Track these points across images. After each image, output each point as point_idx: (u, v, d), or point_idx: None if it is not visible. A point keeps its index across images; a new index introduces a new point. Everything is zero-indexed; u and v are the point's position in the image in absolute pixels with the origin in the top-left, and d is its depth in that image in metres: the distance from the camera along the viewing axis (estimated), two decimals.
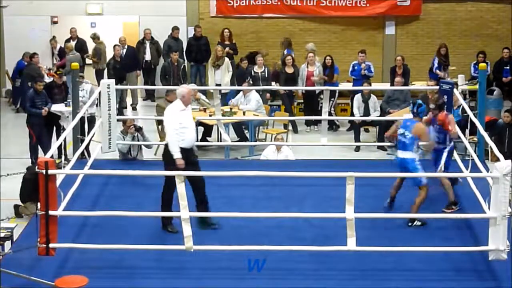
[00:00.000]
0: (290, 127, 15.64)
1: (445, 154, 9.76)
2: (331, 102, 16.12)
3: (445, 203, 9.59)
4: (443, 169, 9.69)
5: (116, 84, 15.74)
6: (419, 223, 9.14)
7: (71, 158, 10.73)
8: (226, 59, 16.80)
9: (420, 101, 9.74)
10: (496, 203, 7.72)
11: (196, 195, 9.01)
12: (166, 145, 8.97)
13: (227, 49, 17.63)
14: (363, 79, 15.85)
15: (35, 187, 7.83)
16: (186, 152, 8.90)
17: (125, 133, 11.72)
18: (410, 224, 9.15)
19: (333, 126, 15.98)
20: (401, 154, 9.40)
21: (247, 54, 17.70)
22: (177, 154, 8.80)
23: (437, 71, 16.75)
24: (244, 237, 8.63)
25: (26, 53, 17.59)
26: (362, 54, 16.34)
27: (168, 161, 8.94)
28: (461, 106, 12.08)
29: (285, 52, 17.08)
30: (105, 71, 18.51)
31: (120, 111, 16.65)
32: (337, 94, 16.25)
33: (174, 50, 17.22)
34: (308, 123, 16.17)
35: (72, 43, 18.30)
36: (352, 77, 16.56)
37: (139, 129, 11.73)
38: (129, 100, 18.09)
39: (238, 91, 15.33)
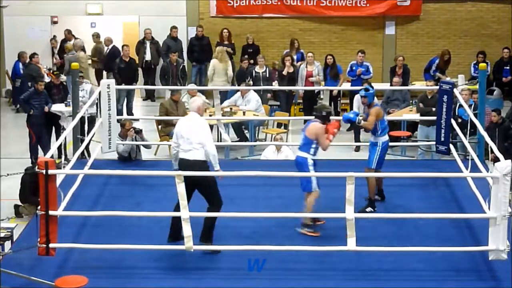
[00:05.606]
0: (290, 127, 15.63)
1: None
2: (338, 102, 16.12)
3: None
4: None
5: (126, 84, 15.92)
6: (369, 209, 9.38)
7: (71, 158, 10.72)
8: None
9: (367, 86, 9.67)
10: (496, 203, 7.71)
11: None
12: (196, 162, 8.20)
13: (227, 49, 17.65)
14: (361, 80, 15.84)
15: (34, 188, 7.83)
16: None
17: (124, 137, 11.55)
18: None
19: None
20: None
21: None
22: (218, 166, 8.28)
23: (436, 73, 16.70)
24: (244, 237, 8.63)
25: (21, 53, 17.59)
26: (361, 54, 16.28)
27: (208, 178, 8.20)
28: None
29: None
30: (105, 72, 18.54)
31: (129, 110, 16.66)
32: (341, 94, 16.24)
33: (173, 50, 17.21)
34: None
35: (71, 43, 18.30)
36: (349, 77, 16.55)
37: (138, 132, 11.67)
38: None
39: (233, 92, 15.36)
